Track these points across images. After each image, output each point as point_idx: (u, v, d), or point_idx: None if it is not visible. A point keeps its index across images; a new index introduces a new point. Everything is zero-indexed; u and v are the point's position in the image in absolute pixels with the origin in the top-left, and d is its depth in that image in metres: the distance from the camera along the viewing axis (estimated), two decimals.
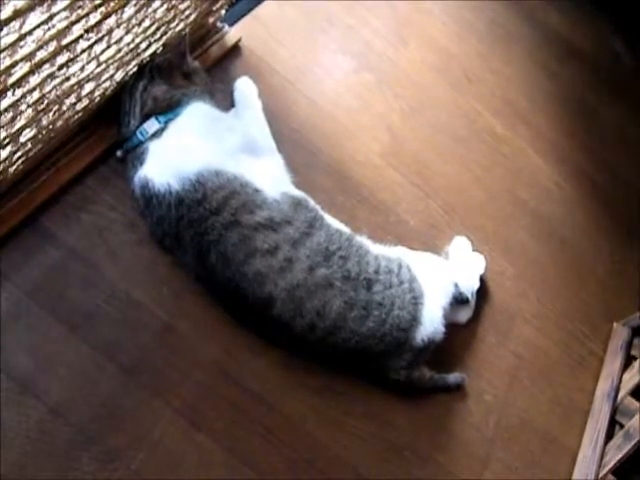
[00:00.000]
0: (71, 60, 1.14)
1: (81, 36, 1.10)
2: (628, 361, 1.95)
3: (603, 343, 2.00)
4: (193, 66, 1.62)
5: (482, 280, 1.81)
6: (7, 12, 0.83)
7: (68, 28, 1.03)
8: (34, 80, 1.07)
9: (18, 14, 0.86)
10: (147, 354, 1.46)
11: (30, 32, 0.94)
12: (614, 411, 1.85)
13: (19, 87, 1.04)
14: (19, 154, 1.28)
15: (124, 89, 1.54)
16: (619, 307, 2.07)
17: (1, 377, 1.33)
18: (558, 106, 2.39)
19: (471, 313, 1.78)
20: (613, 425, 1.83)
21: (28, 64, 1.01)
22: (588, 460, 1.76)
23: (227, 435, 1.46)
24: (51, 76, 1.12)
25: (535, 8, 2.59)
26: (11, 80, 1.00)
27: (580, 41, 2.64)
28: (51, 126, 1.31)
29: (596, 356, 1.98)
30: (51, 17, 0.96)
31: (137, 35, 1.36)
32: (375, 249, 1.60)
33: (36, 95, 1.12)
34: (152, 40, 1.48)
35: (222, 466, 1.43)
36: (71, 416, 1.35)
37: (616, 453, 1.73)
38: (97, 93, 1.42)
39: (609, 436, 1.81)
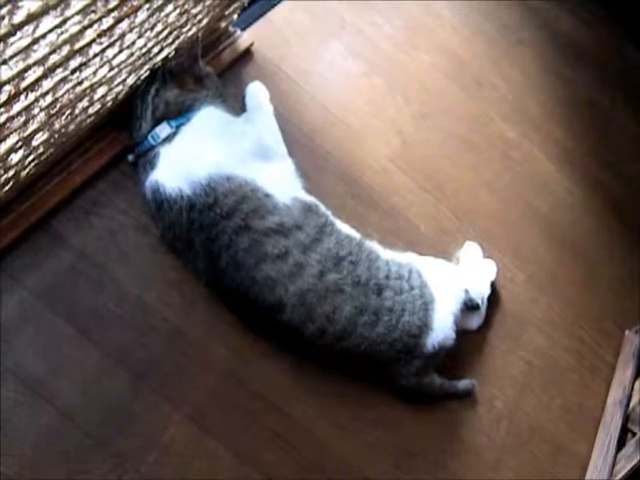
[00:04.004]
0: (84, 64, 1.14)
1: (94, 40, 1.10)
2: None
3: (615, 351, 1.99)
4: (205, 70, 1.62)
5: (493, 286, 1.81)
6: (21, 16, 0.83)
7: (81, 32, 1.04)
8: (47, 84, 1.07)
9: (32, 18, 0.86)
10: (157, 358, 1.46)
11: (43, 36, 0.94)
12: (626, 419, 1.83)
13: (32, 91, 1.04)
14: (31, 158, 1.28)
15: (136, 93, 1.54)
16: (631, 314, 2.05)
17: (12, 379, 1.33)
18: (569, 111, 2.38)
19: (482, 319, 1.77)
20: (625, 433, 1.82)
21: (41, 68, 1.01)
22: (599, 469, 1.75)
23: (236, 439, 1.46)
24: (64, 80, 1.12)
25: (546, 13, 2.58)
26: (24, 84, 1.00)
27: (591, 46, 2.63)
28: (63, 130, 1.32)
29: (607, 364, 1.96)
30: (64, 21, 0.96)
31: (149, 39, 1.36)
32: (385, 254, 1.59)
33: (49, 99, 1.12)
34: (164, 44, 1.48)
35: (231, 470, 1.43)
36: (81, 419, 1.36)
37: (627, 462, 1.71)
38: (109, 97, 1.43)
39: (620, 445, 1.79)
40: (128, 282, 1.49)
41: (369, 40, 2.09)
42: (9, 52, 0.88)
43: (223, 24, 1.74)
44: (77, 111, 1.31)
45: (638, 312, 2.05)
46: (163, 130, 1.50)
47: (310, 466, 1.50)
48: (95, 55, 1.16)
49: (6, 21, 0.81)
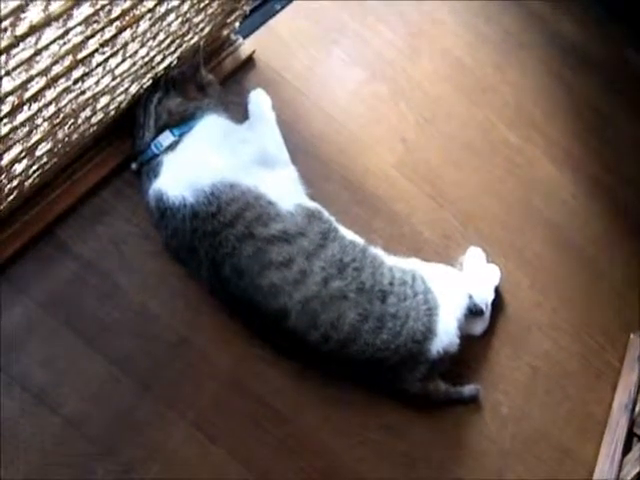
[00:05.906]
0: (86, 74, 1.14)
1: (96, 50, 1.11)
2: None
3: (620, 354, 1.99)
4: (207, 79, 1.63)
5: (497, 291, 1.80)
6: (23, 28, 0.84)
7: (83, 42, 1.04)
8: (50, 94, 1.08)
9: (34, 29, 0.86)
10: (162, 366, 1.46)
11: (46, 47, 0.94)
12: (632, 423, 1.83)
13: (35, 101, 1.05)
14: (35, 167, 1.29)
15: (139, 102, 1.55)
16: (636, 318, 2.05)
17: (17, 388, 1.33)
18: (572, 116, 2.38)
19: (486, 325, 1.77)
20: (631, 438, 1.81)
21: (44, 79, 1.02)
22: (605, 473, 1.74)
23: (241, 447, 1.46)
24: (67, 90, 1.12)
25: (548, 16, 2.59)
26: (27, 95, 1.01)
27: (594, 51, 2.63)
28: (66, 139, 1.32)
29: (613, 367, 1.96)
30: (67, 32, 0.96)
31: (152, 48, 1.37)
32: (389, 260, 1.59)
33: (52, 109, 1.13)
34: (167, 53, 1.49)
35: (236, 477, 1.43)
36: (86, 428, 1.36)
37: (634, 466, 1.70)
38: (112, 106, 1.43)
39: (626, 449, 1.79)
40: (132, 290, 1.49)
41: (371, 47, 2.09)
42: (12, 63, 0.89)
43: (225, 32, 1.75)
44: (80, 121, 1.31)
45: None
46: (166, 139, 1.51)
47: (315, 473, 1.50)
48: (98, 65, 1.16)
49: (9, 33, 0.82)
